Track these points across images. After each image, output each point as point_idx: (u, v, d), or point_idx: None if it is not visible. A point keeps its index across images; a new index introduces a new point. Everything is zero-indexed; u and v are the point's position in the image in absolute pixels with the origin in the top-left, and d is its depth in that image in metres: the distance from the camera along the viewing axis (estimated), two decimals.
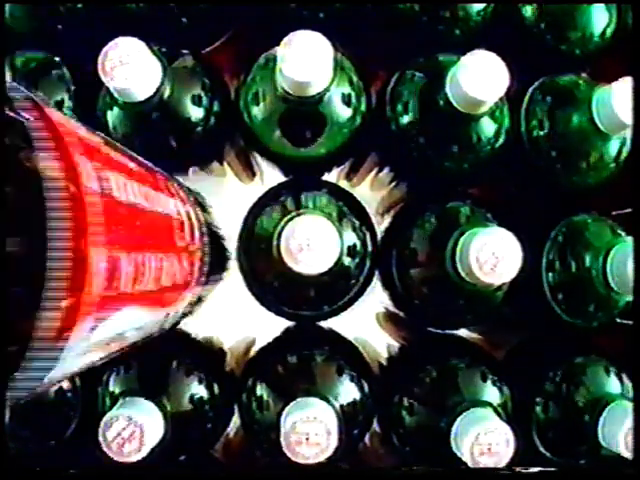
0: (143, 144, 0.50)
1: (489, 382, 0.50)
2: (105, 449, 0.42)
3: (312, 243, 0.39)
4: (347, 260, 0.48)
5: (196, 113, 0.50)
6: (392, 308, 0.60)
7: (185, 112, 0.49)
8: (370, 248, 0.50)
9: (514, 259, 0.41)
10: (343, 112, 0.49)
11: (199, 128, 0.50)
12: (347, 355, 0.54)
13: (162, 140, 0.50)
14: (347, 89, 0.49)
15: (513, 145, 0.51)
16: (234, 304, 0.65)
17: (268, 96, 0.48)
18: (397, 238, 0.53)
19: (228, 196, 0.70)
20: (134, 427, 0.41)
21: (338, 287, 0.50)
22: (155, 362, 0.51)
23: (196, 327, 0.60)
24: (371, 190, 0.68)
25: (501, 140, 0.50)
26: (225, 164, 0.64)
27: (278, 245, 0.40)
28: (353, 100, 0.49)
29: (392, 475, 0.53)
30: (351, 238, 0.48)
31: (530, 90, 0.53)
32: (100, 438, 0.42)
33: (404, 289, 0.52)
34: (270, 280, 0.48)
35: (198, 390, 0.50)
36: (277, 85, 0.43)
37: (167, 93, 0.45)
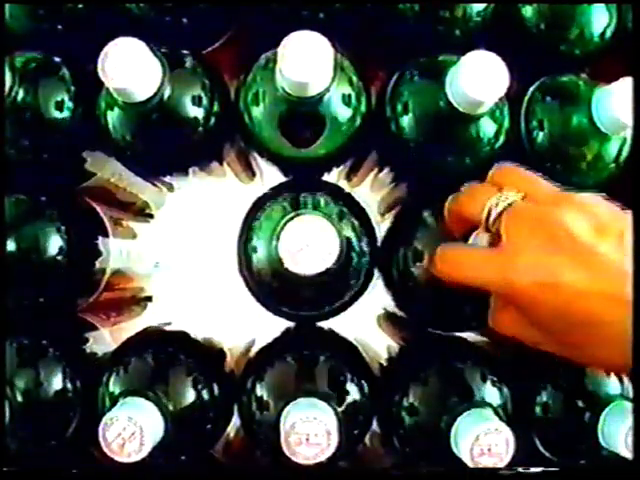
0: (143, 145, 0.50)
1: (489, 382, 0.50)
2: (105, 449, 0.42)
3: (311, 244, 0.39)
4: (347, 260, 0.48)
5: (196, 113, 0.50)
6: (392, 308, 0.60)
7: (185, 112, 0.49)
8: (370, 248, 0.50)
9: None
10: (343, 112, 0.48)
11: (199, 128, 0.50)
12: (347, 355, 0.54)
13: (162, 140, 0.50)
14: (347, 89, 0.48)
15: (513, 145, 0.51)
16: (234, 304, 0.65)
17: (268, 96, 0.48)
18: (397, 238, 0.53)
19: (228, 196, 0.70)
20: (134, 427, 0.41)
21: (338, 287, 0.50)
22: (155, 362, 0.51)
23: (196, 327, 0.60)
24: (371, 190, 0.68)
25: (501, 140, 0.50)
26: (225, 164, 0.64)
27: (277, 246, 0.40)
28: (353, 100, 0.49)
29: (392, 475, 0.53)
30: (351, 238, 0.48)
31: (530, 90, 0.53)
32: (100, 438, 0.42)
33: (404, 289, 0.52)
34: (269, 280, 0.48)
35: (198, 390, 0.50)
36: (277, 85, 0.43)
37: (167, 93, 0.45)
